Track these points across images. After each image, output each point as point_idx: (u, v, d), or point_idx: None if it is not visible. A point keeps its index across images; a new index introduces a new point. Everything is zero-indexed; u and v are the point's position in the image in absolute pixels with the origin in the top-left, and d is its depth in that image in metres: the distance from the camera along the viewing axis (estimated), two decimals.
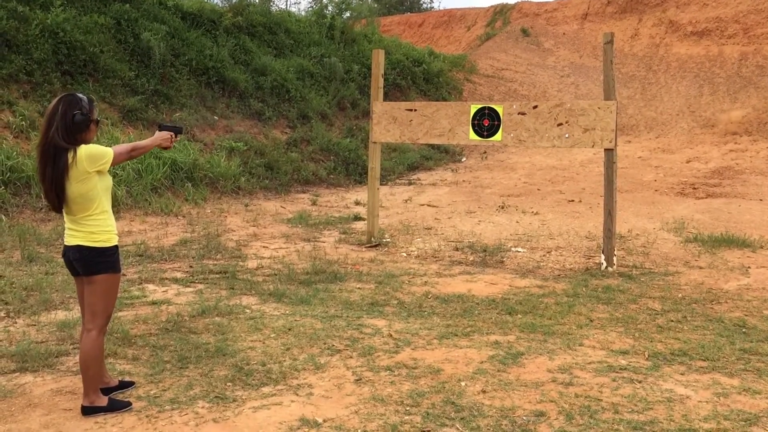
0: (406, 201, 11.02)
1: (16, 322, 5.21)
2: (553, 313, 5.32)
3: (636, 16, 28.79)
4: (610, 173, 6.73)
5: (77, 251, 3.56)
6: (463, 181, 13.65)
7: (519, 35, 29.29)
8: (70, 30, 11.47)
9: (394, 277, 6.56)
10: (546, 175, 14.34)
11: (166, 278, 6.54)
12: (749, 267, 6.68)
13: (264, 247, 7.83)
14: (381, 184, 13.38)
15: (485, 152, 17.59)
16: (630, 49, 27.39)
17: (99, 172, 3.56)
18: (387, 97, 18.28)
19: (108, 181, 3.66)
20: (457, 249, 7.66)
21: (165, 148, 4.07)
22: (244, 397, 3.85)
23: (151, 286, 6.29)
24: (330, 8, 18.93)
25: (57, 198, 3.47)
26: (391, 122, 7.76)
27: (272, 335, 4.93)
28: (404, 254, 7.54)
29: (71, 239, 3.59)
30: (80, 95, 3.57)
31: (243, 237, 8.30)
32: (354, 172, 13.48)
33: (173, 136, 4.04)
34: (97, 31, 12.07)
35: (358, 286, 6.26)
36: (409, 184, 13.40)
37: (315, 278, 6.46)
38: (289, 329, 5.04)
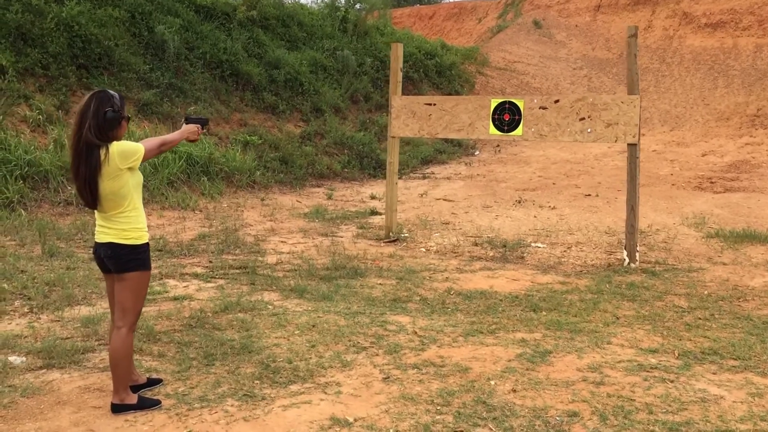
0: (421, 195, 10.97)
1: (39, 318, 5.21)
2: (579, 311, 5.27)
3: (649, 8, 28.57)
4: (633, 168, 6.67)
5: (109, 248, 3.55)
6: (478, 174, 13.59)
7: (531, 27, 29.11)
8: (85, 23, 11.45)
9: (415, 272, 6.52)
10: (561, 168, 14.26)
11: (187, 273, 6.52)
12: None
13: (282, 242, 7.81)
14: None
15: (498, 146, 17.51)
16: (643, 42, 27.16)
17: (130, 169, 3.54)
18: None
19: (139, 177, 3.63)
20: (476, 244, 7.62)
21: (192, 141, 4.05)
22: (273, 396, 3.83)
23: (171, 282, 6.27)
24: (343, 0, 18.85)
25: (91, 195, 3.45)
26: (410, 117, 7.71)
27: (296, 332, 4.90)
28: (423, 249, 7.50)
29: (103, 236, 3.57)
30: (111, 92, 3.55)
31: (260, 232, 8.28)
32: (368, 166, 13.44)
33: (200, 128, 4.03)
34: (112, 24, 12.05)
35: (379, 281, 6.23)
36: (424, 178, 13.35)
37: (335, 274, 6.44)
38: (313, 326, 5.02)
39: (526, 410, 3.58)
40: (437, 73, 19.95)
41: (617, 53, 26.93)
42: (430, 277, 6.36)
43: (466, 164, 15.08)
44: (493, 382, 3.96)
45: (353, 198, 10.86)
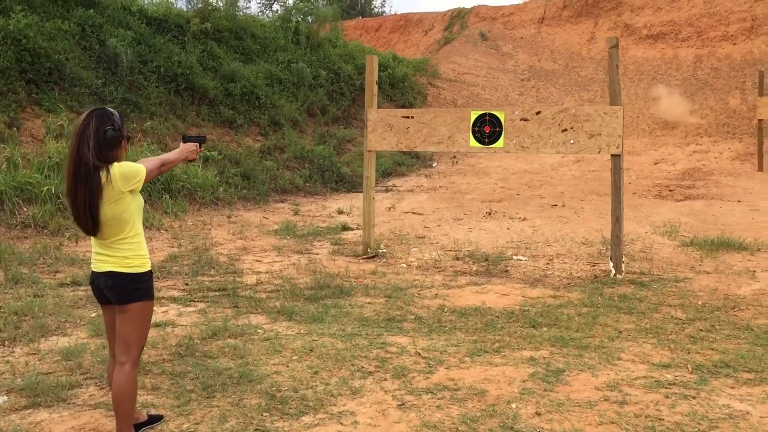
0: (389, 209, 10.82)
1: (13, 351, 4.85)
2: (579, 325, 5.19)
3: (592, 20, 29.20)
4: (617, 179, 6.66)
5: (109, 278, 3.28)
6: (440, 186, 13.53)
7: (477, 39, 29.41)
8: (33, 36, 10.96)
9: (402, 290, 6.36)
10: (521, 179, 14.32)
11: (163, 297, 6.21)
12: (755, 271, 6.68)
13: (257, 260, 7.54)
14: (357, 192, 13.18)
15: (455, 157, 17.53)
16: (588, 53, 27.75)
17: (132, 192, 3.29)
18: (354, 102, 18.09)
19: (140, 201, 3.38)
20: (457, 258, 7.50)
21: (191, 161, 3.82)
22: (286, 429, 3.61)
23: None
24: (293, 13, 18.62)
25: (92, 220, 3.18)
26: (387, 130, 7.56)
27: (294, 357, 4.68)
28: (404, 265, 7.34)
29: (102, 265, 3.30)
30: (110, 110, 3.30)
31: (233, 251, 7.99)
32: (330, 180, 13.23)
33: (198, 146, 3.81)
34: (62, 37, 11.58)
35: (367, 300, 6.04)
36: (387, 191, 13.21)
37: (321, 293, 6.22)
38: (311, 350, 4.80)
39: None
40: (390, 84, 19.89)
41: (563, 64, 27.39)
42: (419, 294, 6.20)
43: (426, 176, 15.01)
44: (514, 406, 3.82)
45: (320, 213, 10.64)
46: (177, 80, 13.10)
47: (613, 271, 6.57)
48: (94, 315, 5.66)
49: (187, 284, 6.60)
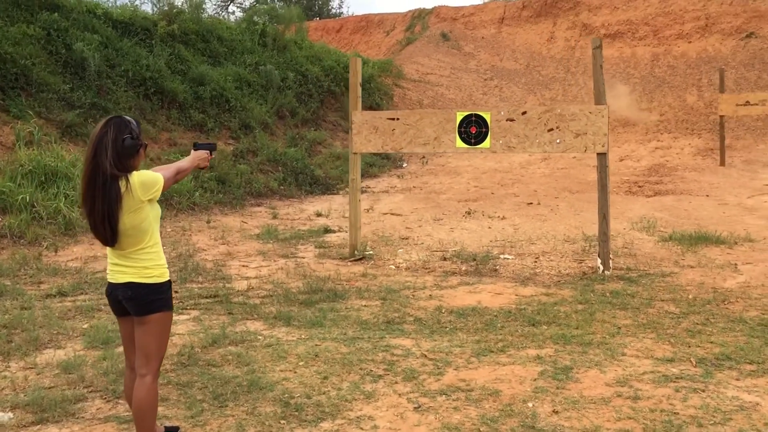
0: (367, 210, 10.81)
1: (9, 366, 4.73)
2: (578, 323, 5.26)
3: (551, 20, 29.60)
4: (603, 177, 6.77)
5: (128, 289, 3.22)
6: (414, 187, 13.57)
7: (439, 39, 29.57)
8: None
9: (395, 292, 6.37)
10: (492, 178, 14.45)
11: None
12: (736, 264, 6.85)
13: (244, 266, 7.47)
14: (331, 194, 13.15)
15: (424, 157, 17.59)
16: (548, 52, 28.12)
17: (150, 201, 3.24)
18: (322, 104, 18.05)
19: (158, 210, 3.34)
20: (444, 259, 7.54)
21: (203, 168, 3.78)
22: None
23: None
24: (258, 14, 18.48)
25: (111, 230, 3.12)
26: (372, 132, 7.56)
27: (300, 363, 4.65)
28: (393, 267, 7.35)
29: (120, 276, 3.24)
30: (128, 118, 3.24)
31: (217, 256, 7.90)
32: (304, 183, 13.16)
33: (209, 154, 3.77)
34: (27, 42, 11.31)
35: (363, 303, 6.03)
36: (361, 192, 13.17)
37: (314, 297, 6.19)
38: (316, 355, 4.78)
39: None
40: None
41: (524, 64, 27.71)
42: (413, 296, 6.22)
43: (398, 177, 15.04)
44: (531, 405, 3.85)
45: (299, 216, 10.58)
46: (146, 84, 12.90)
47: (601, 268, 6.67)
48: (86, 326, 5.55)
49: (176, 292, 6.50)
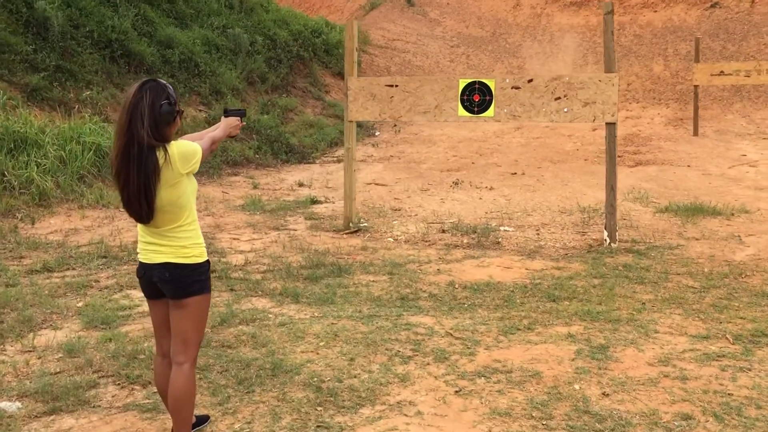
0: None
1: (5, 349, 4.39)
2: (599, 298, 5.12)
3: None
4: (612, 148, 6.62)
5: (166, 270, 2.92)
6: (391, 156, 13.30)
7: (404, 5, 29.04)
8: None
9: (401, 266, 6.14)
10: (469, 147, 14.25)
11: None
12: (740, 236, 6.80)
13: (235, 239, 7.15)
14: (308, 163, 12.80)
15: (396, 125, 17.29)
16: (514, 19, 27.90)
17: (188, 174, 2.93)
18: (292, 70, 17.54)
19: (195, 183, 3.03)
20: (443, 231, 7.33)
21: (233, 137, 3.46)
22: (350, 424, 3.37)
23: (135, 293, 5.52)
24: None
25: (148, 206, 2.81)
26: (369, 99, 7.26)
27: (321, 344, 4.41)
28: (391, 239, 7.12)
29: (155, 256, 2.94)
30: (163, 81, 2.91)
31: (205, 229, 7.54)
32: (280, 151, 12.76)
33: (240, 120, 3.47)
34: None
35: (370, 278, 5.79)
36: (338, 161, 12.87)
37: (318, 273, 5.93)
38: (335, 335, 4.54)
39: (636, 417, 3.34)
40: (325, 51, 19.39)
41: (490, 31, 27.45)
42: (420, 270, 6.00)
43: (372, 145, 14.73)
44: (577, 387, 3.69)
45: (280, 186, 10.24)
46: (112, 46, 12.26)
47: (608, 240, 6.55)
48: (80, 305, 5.20)
49: None
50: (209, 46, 14.69)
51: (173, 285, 2.94)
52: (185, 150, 2.88)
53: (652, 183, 9.90)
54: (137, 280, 3.10)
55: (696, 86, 15.45)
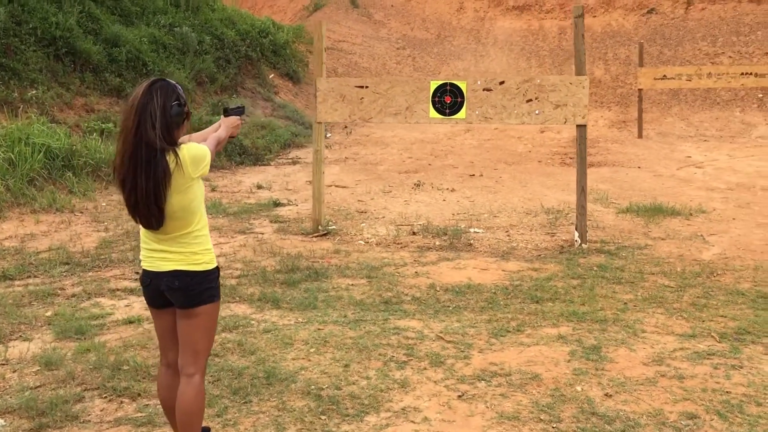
0: (309, 182, 10.37)
1: None
2: (581, 299, 5.16)
3: None
4: (582, 149, 6.70)
5: (175, 278, 2.79)
6: (346, 158, 13.21)
7: (348, 6, 28.96)
8: None
9: (377, 269, 6.08)
10: (422, 149, 14.28)
11: (117, 289, 5.56)
12: (702, 235, 6.98)
13: None
14: (263, 165, 12.60)
15: (346, 127, 17.21)
16: (458, 22, 28.15)
17: (197, 178, 2.80)
18: (240, 70, 17.26)
19: (203, 188, 2.90)
20: (414, 233, 7.29)
21: (233, 137, 3.33)
22: None
23: (104, 300, 5.32)
24: None
25: (159, 212, 2.67)
26: (338, 100, 7.16)
27: (312, 350, 4.32)
28: (362, 242, 7.04)
29: (163, 263, 2.81)
30: (173, 81, 2.77)
31: None
32: (234, 153, 12.50)
33: (240, 119, 3.35)
34: None
35: (350, 282, 5.71)
36: (294, 163, 12.73)
37: (295, 277, 5.81)
38: (325, 341, 4.45)
39: (643, 417, 3.37)
40: (273, 52, 19.17)
41: (435, 33, 27.62)
42: (398, 273, 5.95)
43: (326, 147, 14.58)
44: (579, 389, 3.70)
45: (238, 188, 10.03)
46: (56, 44, 11.81)
47: (579, 241, 6.63)
48: (49, 314, 4.96)
49: (137, 273, 5.92)
50: (156, 45, 14.32)
51: (183, 293, 2.81)
52: (195, 153, 2.76)
53: (608, 184, 10.09)
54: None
55: (640, 90, 15.85)
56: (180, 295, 2.81)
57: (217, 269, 2.91)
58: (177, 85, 2.78)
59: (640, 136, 15.68)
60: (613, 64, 23.42)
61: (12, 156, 8.36)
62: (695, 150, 13.67)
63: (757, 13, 22.85)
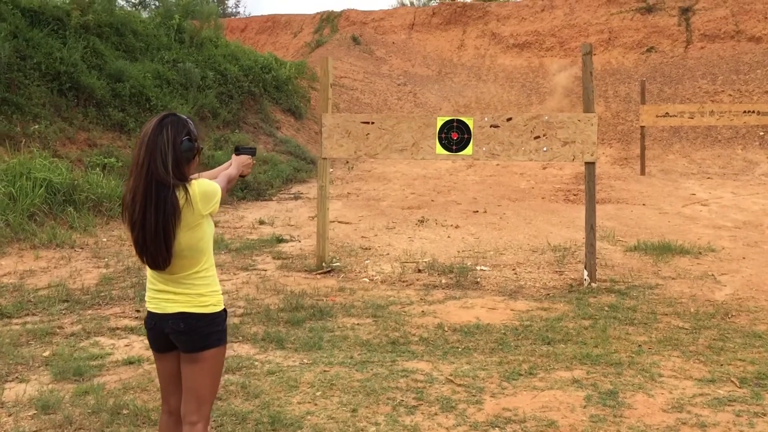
0: (311, 218, 10.29)
1: None
2: (594, 341, 5.03)
3: (460, 28, 29.86)
4: (591, 187, 6.62)
5: (181, 321, 2.68)
6: (348, 193, 13.14)
7: (350, 43, 29.20)
8: None
9: (383, 308, 5.95)
10: (425, 185, 14.22)
11: (117, 328, 5.43)
12: (713, 275, 6.86)
13: None
14: (265, 200, 12.52)
15: (348, 162, 17.19)
16: (459, 59, 28.35)
17: (207, 216, 2.70)
18: (243, 105, 17.29)
19: (212, 225, 2.79)
20: (419, 271, 7.18)
21: (244, 176, 3.24)
22: None
23: (104, 340, 5.18)
24: (174, 9, 17.45)
25: (166, 251, 2.57)
26: (343, 136, 7.10)
27: (318, 393, 4.17)
28: (366, 280, 6.92)
29: (168, 305, 2.69)
30: (183, 116, 2.69)
31: None
32: (235, 188, 12.42)
33: (251, 159, 3.27)
34: None
35: (355, 321, 5.57)
36: (296, 198, 12.65)
37: (299, 316, 5.68)
38: (331, 384, 4.30)
39: None
40: (275, 87, 19.23)
41: (436, 70, 27.80)
42: (404, 312, 5.82)
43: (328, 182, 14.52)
44: None
45: (240, 224, 9.93)
46: (60, 78, 11.82)
47: (588, 280, 6.51)
48: (47, 354, 4.82)
49: (138, 311, 5.81)
50: (160, 80, 14.35)
51: (189, 337, 2.69)
52: (206, 189, 2.66)
53: (614, 221, 9.99)
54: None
55: (642, 127, 15.85)
56: (186, 338, 2.69)
57: (224, 312, 2.80)
58: (188, 119, 2.70)
59: (642, 173, 15.65)
60: (614, 102, 23.52)
61: (13, 191, 8.28)
62: (699, 187, 13.61)
63: (756, 52, 22.99)
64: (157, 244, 2.57)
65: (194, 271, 2.69)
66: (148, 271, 2.75)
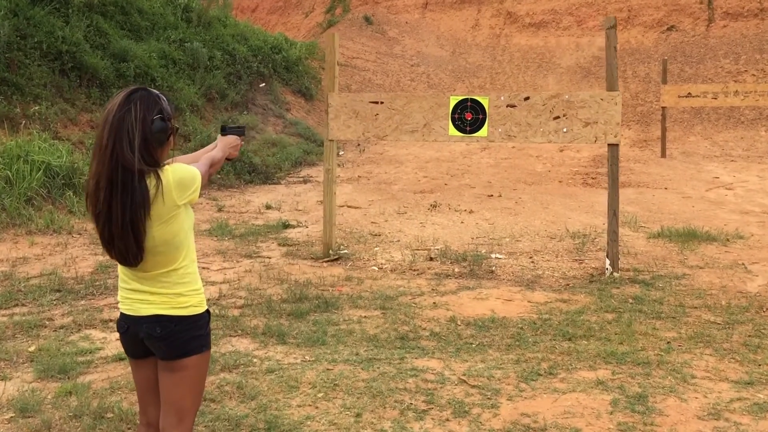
0: (319, 202, 9.94)
1: None
2: (618, 336, 4.66)
3: (475, 7, 29.26)
4: (614, 170, 6.22)
5: (157, 324, 2.34)
6: (359, 176, 12.78)
7: (362, 23, 28.70)
8: None
9: (392, 299, 5.60)
10: (438, 168, 13.83)
11: (110, 320, 5.12)
12: (744, 263, 6.46)
13: (205, 268, 6.51)
14: (273, 184, 12.18)
15: (359, 145, 16.81)
16: (473, 39, 27.80)
17: (185, 205, 2.35)
18: (252, 87, 16.92)
19: (192, 216, 2.45)
20: (431, 259, 6.82)
21: (232, 158, 2.88)
22: None
23: (95, 333, 4.88)
24: None
25: (136, 246, 2.22)
26: (351, 117, 6.73)
27: (319, 395, 3.84)
28: (375, 268, 6.58)
29: (142, 307, 2.36)
30: (155, 91, 2.33)
31: None
32: (243, 171, 12.12)
33: (239, 139, 2.91)
34: None
35: (361, 314, 5.24)
36: (305, 182, 12.31)
37: (303, 307, 5.35)
38: (334, 384, 3.97)
39: None
40: (285, 68, 18.82)
41: (450, 50, 27.28)
42: (414, 304, 5.47)
43: (339, 165, 14.18)
44: None
45: (246, 209, 9.60)
46: (62, 58, 11.49)
47: (610, 269, 6.13)
48: (32, 348, 4.52)
49: None
50: (166, 60, 14.00)
51: (167, 343, 2.35)
52: (182, 176, 2.31)
53: (635, 206, 9.58)
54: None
55: (663, 108, 15.35)
56: (164, 344, 2.36)
57: (207, 314, 2.46)
58: (161, 95, 2.34)
59: (663, 155, 15.17)
60: (633, 82, 22.95)
61: (9, 174, 7.98)
62: (723, 170, 13.14)
63: None
64: (125, 239, 2.23)
65: (172, 268, 2.35)
66: (120, 269, 2.42)
